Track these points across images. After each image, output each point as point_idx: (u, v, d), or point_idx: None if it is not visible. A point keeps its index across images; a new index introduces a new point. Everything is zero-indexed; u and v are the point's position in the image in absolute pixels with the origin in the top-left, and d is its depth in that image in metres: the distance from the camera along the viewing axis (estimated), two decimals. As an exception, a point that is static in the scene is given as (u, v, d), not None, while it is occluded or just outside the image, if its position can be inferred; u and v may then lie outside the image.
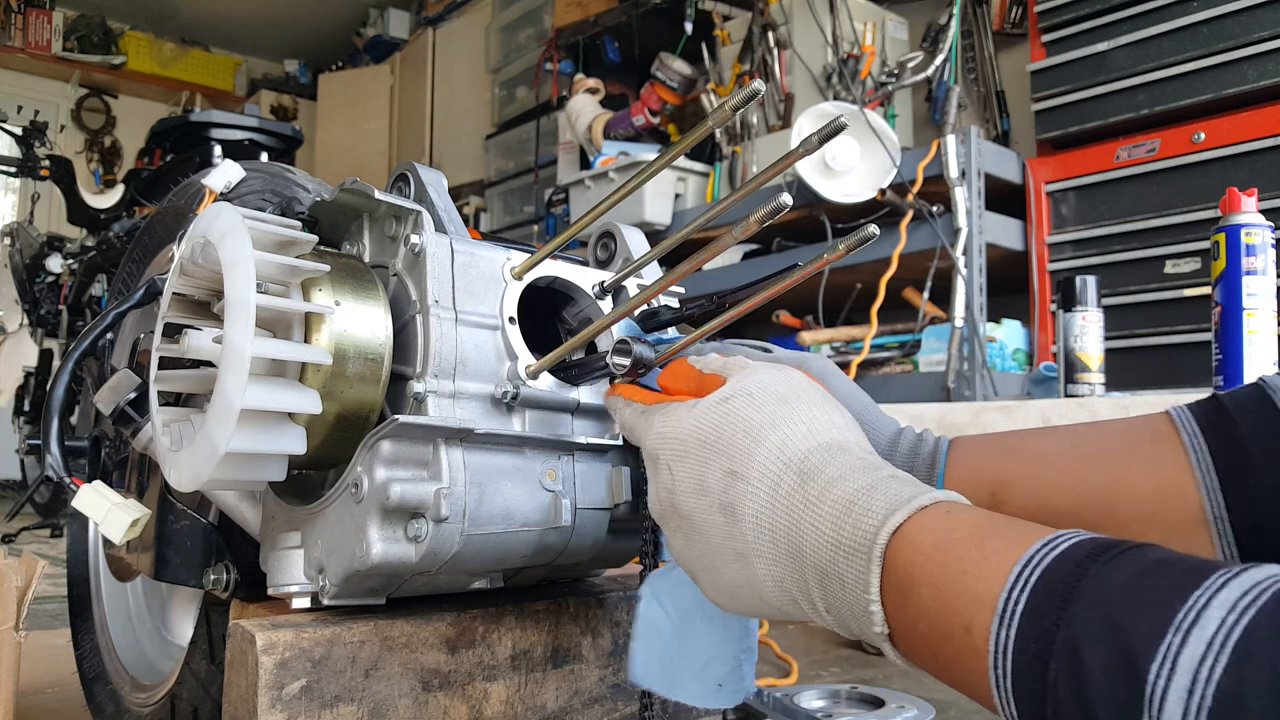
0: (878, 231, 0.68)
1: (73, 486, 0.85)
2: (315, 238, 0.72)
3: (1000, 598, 0.41)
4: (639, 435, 0.63)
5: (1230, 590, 0.35)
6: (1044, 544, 0.42)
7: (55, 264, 3.79)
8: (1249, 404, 0.63)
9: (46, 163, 3.82)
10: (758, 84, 0.60)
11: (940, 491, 0.49)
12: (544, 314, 0.90)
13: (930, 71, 3.04)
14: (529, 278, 0.81)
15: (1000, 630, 0.41)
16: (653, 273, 0.91)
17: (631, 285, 0.88)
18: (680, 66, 3.53)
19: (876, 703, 1.36)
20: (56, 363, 3.90)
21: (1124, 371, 2.33)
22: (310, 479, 0.83)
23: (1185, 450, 0.63)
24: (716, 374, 0.62)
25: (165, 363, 0.75)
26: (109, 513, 0.83)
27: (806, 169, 2.64)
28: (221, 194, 1.06)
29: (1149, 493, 0.64)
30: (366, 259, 0.82)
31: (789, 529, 0.51)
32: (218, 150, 2.00)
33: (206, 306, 0.78)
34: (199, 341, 0.70)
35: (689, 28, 3.55)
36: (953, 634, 0.43)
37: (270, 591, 0.77)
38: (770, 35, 3.12)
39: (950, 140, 2.56)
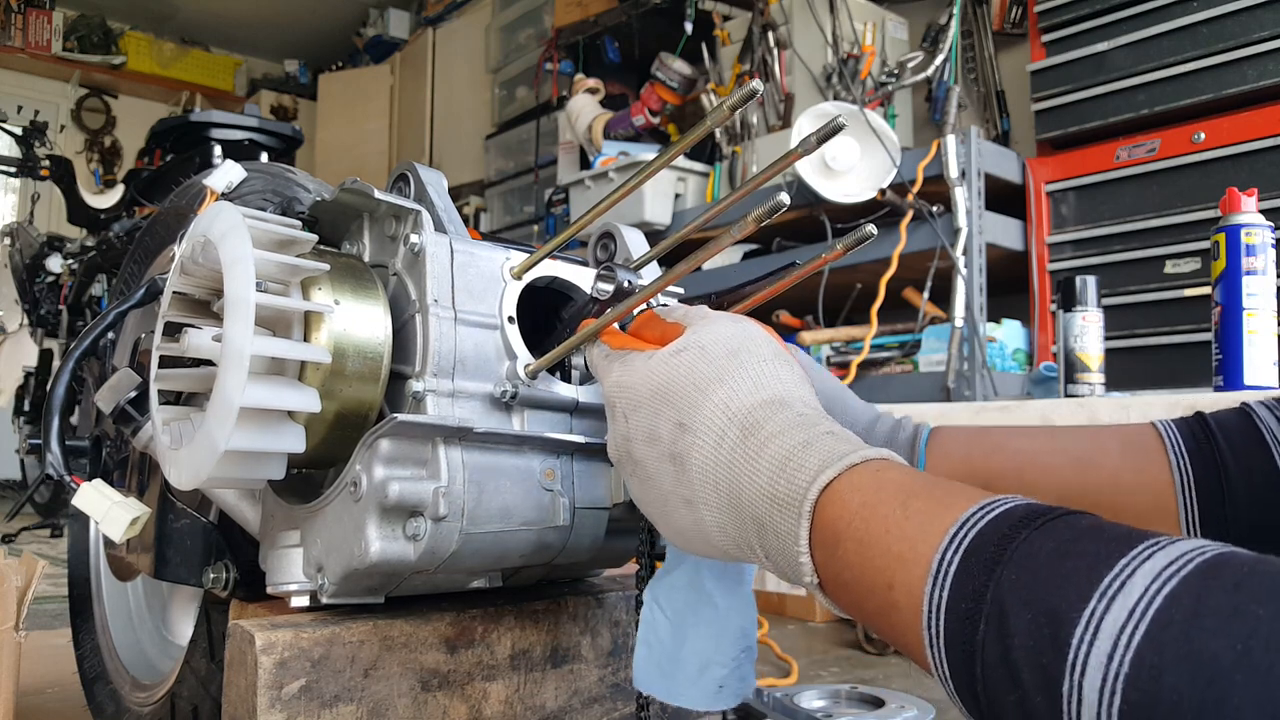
0: (875, 231, 0.68)
1: (73, 485, 0.85)
2: (315, 237, 0.72)
3: (934, 559, 0.42)
4: (600, 379, 0.65)
5: (1156, 560, 0.35)
6: (979, 508, 0.43)
7: (55, 264, 3.79)
8: (1234, 429, 0.64)
9: (46, 163, 3.82)
10: (756, 83, 0.60)
11: (874, 449, 0.50)
12: (543, 314, 0.90)
13: (930, 71, 3.04)
14: (528, 277, 0.81)
15: (934, 591, 0.41)
16: (652, 273, 0.92)
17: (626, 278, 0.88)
18: (680, 66, 3.53)
19: (876, 703, 1.36)
20: (56, 363, 3.90)
21: (1124, 371, 2.33)
22: (310, 478, 0.83)
23: (1170, 467, 0.65)
24: (678, 322, 0.64)
25: (165, 361, 0.75)
26: (109, 511, 0.83)
27: (806, 169, 2.64)
28: (223, 194, 1.06)
29: (1130, 503, 0.65)
30: (366, 258, 0.82)
31: (730, 481, 0.53)
32: (218, 150, 1.99)
33: (207, 305, 0.78)
34: (199, 340, 0.70)
35: (689, 28, 3.55)
36: (875, 589, 0.45)
37: (269, 590, 0.77)
38: (770, 35, 3.12)
39: (950, 140, 2.56)
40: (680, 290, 0.90)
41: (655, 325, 0.66)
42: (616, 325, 0.69)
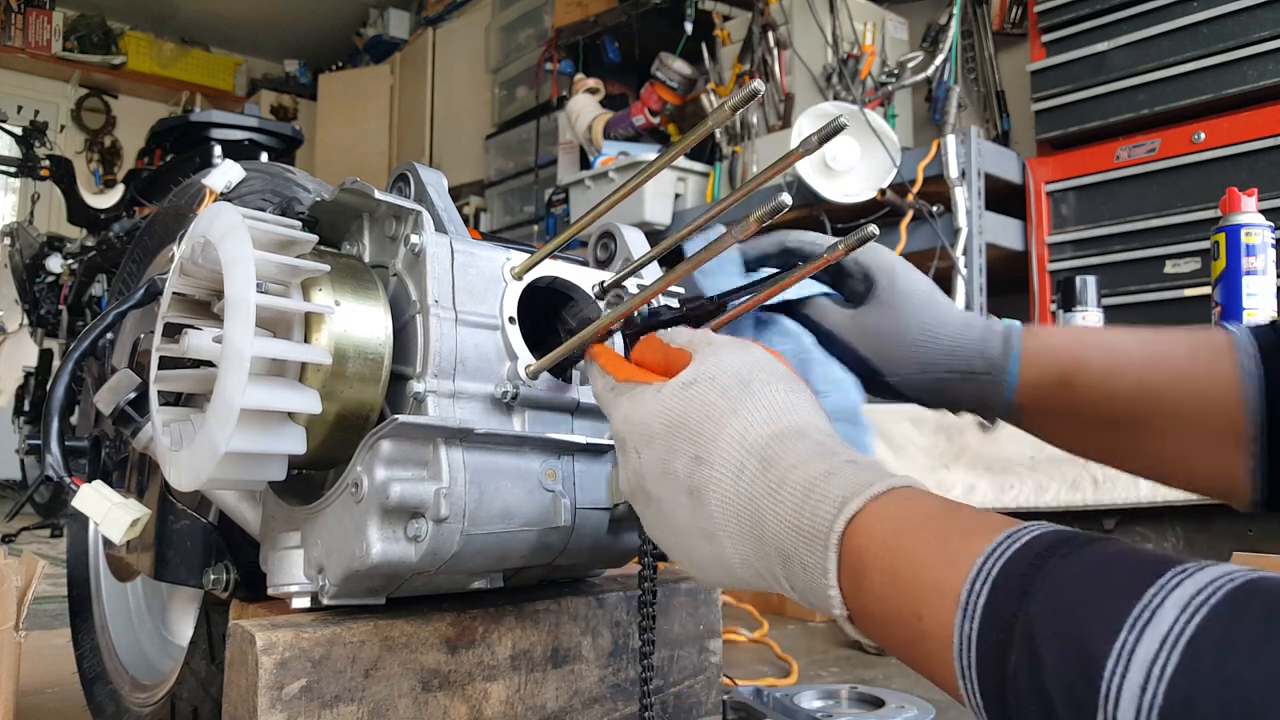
0: (877, 231, 0.68)
1: (73, 486, 0.85)
2: (315, 237, 0.72)
3: (963, 590, 0.42)
4: (607, 413, 0.64)
5: (1184, 589, 0.35)
6: (1006, 536, 0.43)
7: (55, 264, 3.80)
8: None
9: (46, 163, 3.82)
10: (757, 84, 0.60)
11: (897, 477, 0.50)
12: (544, 314, 0.90)
13: (930, 71, 3.04)
14: (529, 278, 0.81)
15: (964, 622, 0.41)
16: (653, 273, 0.91)
17: (631, 285, 0.88)
18: (680, 66, 3.53)
19: (876, 703, 1.36)
20: (56, 363, 3.90)
21: (1124, 371, 2.33)
22: (310, 479, 0.83)
23: (1238, 369, 0.66)
24: (683, 349, 0.62)
25: (165, 362, 0.75)
26: (109, 512, 0.83)
27: (806, 169, 2.64)
28: (222, 194, 1.06)
29: (1199, 400, 0.68)
30: (367, 259, 0.82)
31: (752, 513, 0.52)
32: (218, 150, 2.00)
33: (207, 306, 0.78)
34: (199, 341, 0.70)
35: (689, 28, 3.55)
36: (904, 619, 0.44)
37: (270, 591, 0.77)
38: (770, 35, 3.12)
39: (950, 140, 2.56)
40: (680, 290, 0.90)
41: (657, 350, 0.64)
42: (620, 347, 0.68)
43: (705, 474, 0.55)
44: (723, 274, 0.80)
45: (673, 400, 0.58)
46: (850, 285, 0.80)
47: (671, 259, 0.82)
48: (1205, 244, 2.06)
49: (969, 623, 0.41)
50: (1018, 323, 0.76)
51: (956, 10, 3.06)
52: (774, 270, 0.81)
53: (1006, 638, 0.39)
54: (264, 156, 2.02)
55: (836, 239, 0.68)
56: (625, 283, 0.88)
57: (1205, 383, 0.68)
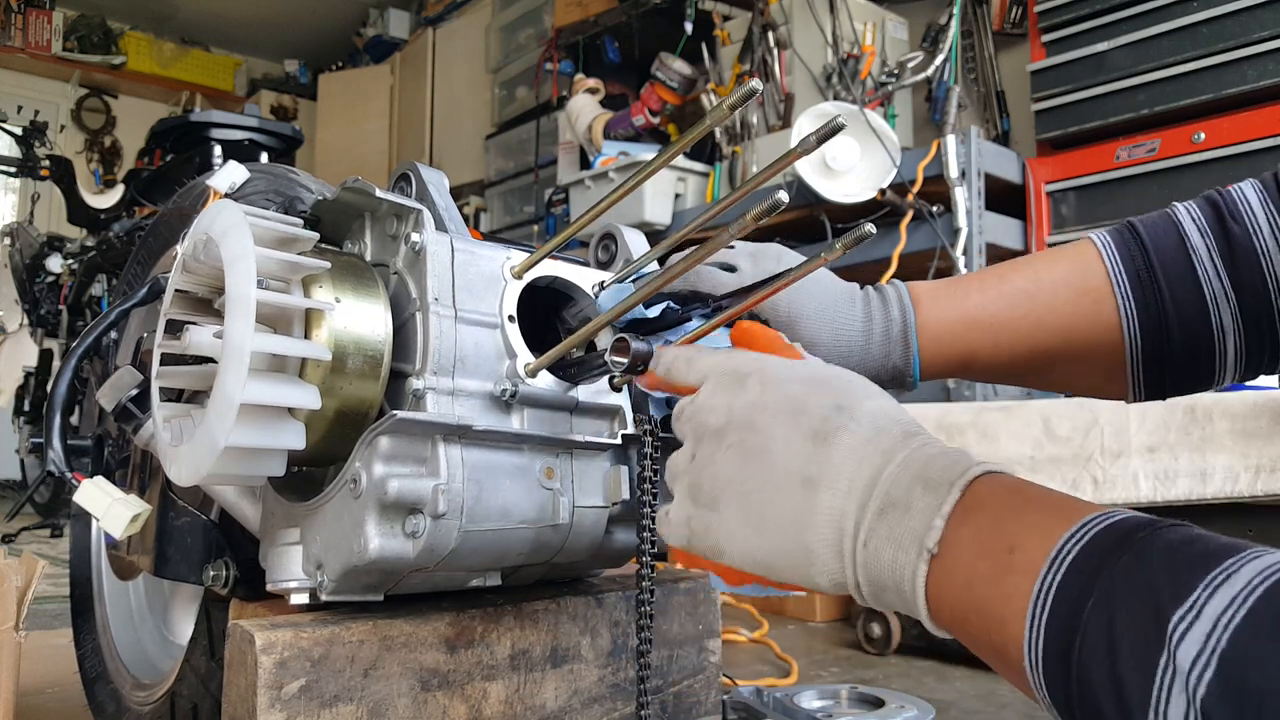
0: (874, 230, 0.68)
1: (74, 481, 0.85)
2: (316, 235, 0.72)
3: (1058, 542, 0.45)
4: (726, 355, 0.64)
5: (1263, 560, 0.38)
6: (1103, 514, 0.46)
7: (55, 264, 3.80)
8: (1172, 265, 0.77)
9: (46, 163, 3.83)
10: (756, 83, 0.60)
11: (994, 464, 0.55)
12: (544, 313, 0.90)
13: (930, 71, 3.04)
14: (529, 277, 0.81)
15: (1048, 573, 0.44)
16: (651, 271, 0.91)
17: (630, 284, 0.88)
18: (680, 66, 3.53)
19: (876, 703, 1.36)
20: (57, 363, 3.90)
21: (1124, 371, 2.33)
22: (309, 475, 0.83)
23: (1118, 313, 0.78)
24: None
25: (167, 359, 0.76)
26: (110, 508, 0.83)
27: (806, 169, 2.64)
28: (226, 195, 1.06)
29: (1088, 347, 0.80)
30: (368, 257, 0.82)
31: (878, 465, 0.53)
32: (218, 150, 2.00)
33: (208, 303, 0.78)
34: (200, 337, 0.70)
35: (689, 28, 3.55)
36: (995, 552, 0.47)
37: (269, 587, 0.77)
38: (770, 35, 3.13)
39: (950, 140, 2.56)
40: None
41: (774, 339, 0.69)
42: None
43: (843, 421, 0.55)
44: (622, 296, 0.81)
45: (818, 367, 0.61)
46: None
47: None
48: (1205, 244, 2.06)
49: (1052, 574, 0.44)
50: (910, 309, 0.82)
51: (956, 10, 3.07)
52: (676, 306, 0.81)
53: (1089, 585, 0.42)
54: (264, 157, 2.03)
55: (834, 239, 0.68)
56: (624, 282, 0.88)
57: (1089, 331, 0.79)
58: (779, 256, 0.83)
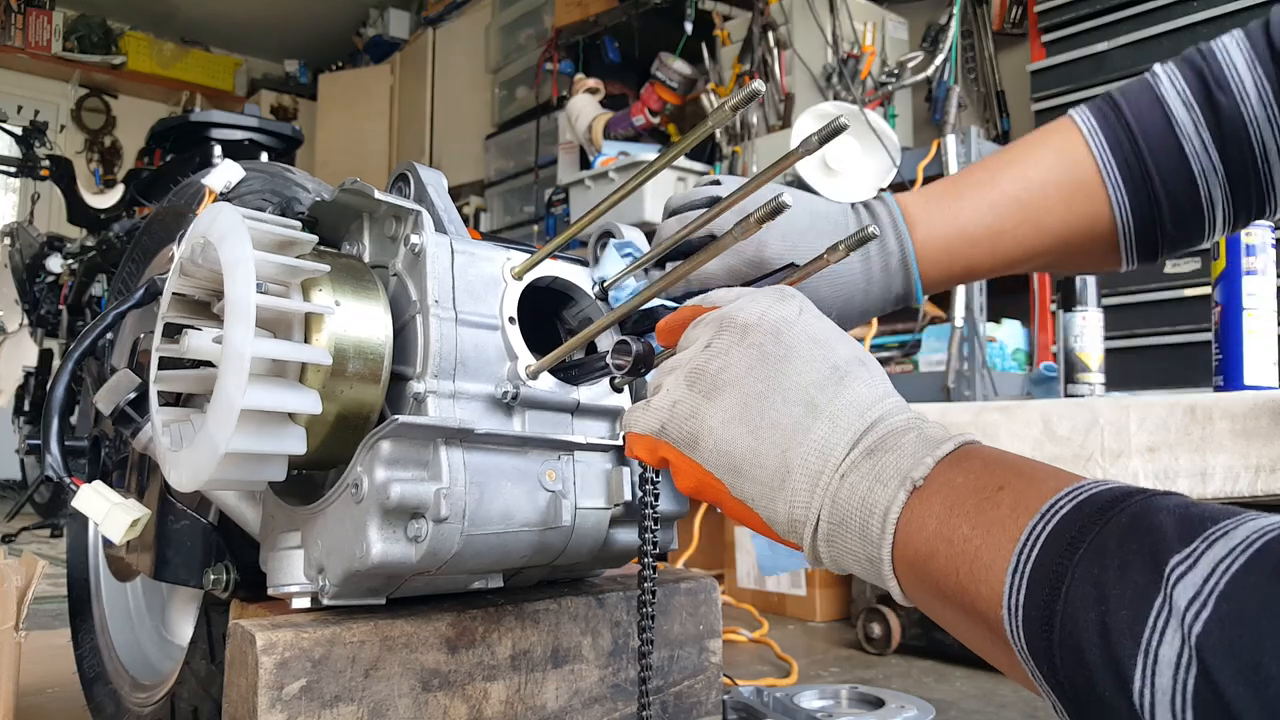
0: (878, 232, 0.68)
1: (73, 486, 0.85)
2: (315, 238, 0.72)
3: (1047, 502, 0.45)
4: (768, 291, 0.64)
5: (1261, 520, 0.39)
6: (1100, 481, 0.46)
7: (55, 264, 3.79)
8: (1162, 152, 0.79)
9: (46, 163, 3.82)
10: (758, 84, 0.60)
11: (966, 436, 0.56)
12: (544, 314, 0.90)
13: (930, 71, 3.04)
14: (529, 278, 0.81)
15: (1039, 522, 0.44)
16: (653, 273, 0.91)
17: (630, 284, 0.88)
18: (680, 66, 3.52)
19: (876, 703, 1.36)
20: (56, 363, 3.90)
21: (1124, 371, 2.33)
22: (310, 479, 0.83)
23: (1110, 205, 0.81)
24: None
25: (165, 363, 0.75)
26: (109, 513, 0.83)
27: (807, 169, 2.64)
28: (221, 194, 1.06)
29: (1083, 239, 0.83)
30: (367, 259, 0.82)
31: (877, 414, 0.55)
32: (217, 150, 1.99)
33: (207, 306, 0.78)
34: (199, 342, 0.70)
35: (689, 28, 3.55)
36: (984, 489, 0.48)
37: (270, 591, 0.77)
38: (770, 35, 3.12)
39: (950, 140, 2.56)
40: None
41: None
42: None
43: (863, 374, 0.57)
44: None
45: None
46: None
47: (672, 259, 0.82)
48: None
49: (1043, 523, 0.44)
50: (906, 235, 0.83)
51: (956, 10, 3.06)
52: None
53: (1081, 533, 0.42)
54: (264, 156, 2.02)
55: (839, 240, 0.68)
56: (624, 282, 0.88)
57: (1083, 226, 0.82)
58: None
